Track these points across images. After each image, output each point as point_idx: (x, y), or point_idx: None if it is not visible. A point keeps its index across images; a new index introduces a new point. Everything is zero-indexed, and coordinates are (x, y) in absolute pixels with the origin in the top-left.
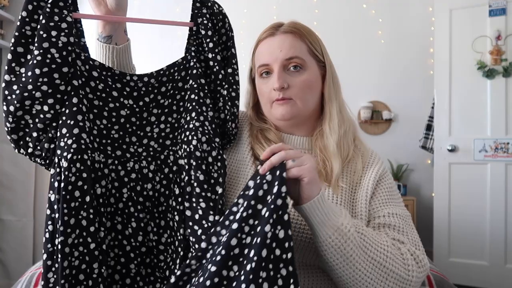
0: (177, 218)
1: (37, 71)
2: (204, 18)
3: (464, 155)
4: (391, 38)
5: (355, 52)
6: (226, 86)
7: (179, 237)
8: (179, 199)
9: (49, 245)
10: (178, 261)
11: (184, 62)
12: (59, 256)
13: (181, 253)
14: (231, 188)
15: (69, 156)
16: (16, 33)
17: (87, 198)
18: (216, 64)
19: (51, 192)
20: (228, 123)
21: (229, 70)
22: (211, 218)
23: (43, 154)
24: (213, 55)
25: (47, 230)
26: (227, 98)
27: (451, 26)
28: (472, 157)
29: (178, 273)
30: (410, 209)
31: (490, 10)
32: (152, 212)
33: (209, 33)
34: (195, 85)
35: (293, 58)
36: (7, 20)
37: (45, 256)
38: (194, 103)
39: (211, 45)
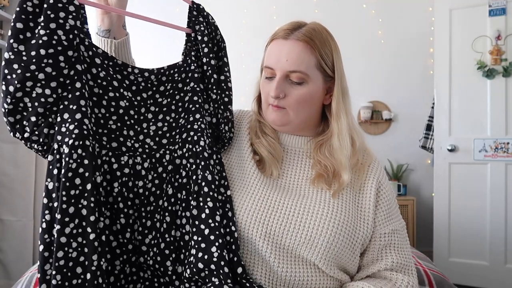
0: (168, 219)
1: (42, 51)
2: (201, 25)
3: (464, 155)
4: (391, 38)
5: (355, 52)
6: (219, 91)
7: (167, 239)
8: (172, 200)
9: (46, 236)
10: (168, 263)
11: (185, 65)
12: (54, 246)
13: (173, 255)
14: (233, 184)
15: (70, 141)
16: (17, 8)
17: (88, 186)
18: (209, 68)
19: (48, 180)
20: (221, 126)
21: (222, 77)
22: (217, 218)
23: (41, 140)
24: (207, 59)
25: (44, 220)
26: (219, 102)
27: (451, 26)
28: (472, 157)
29: None
30: (410, 209)
31: (490, 10)
32: (139, 210)
33: (205, 39)
34: (198, 89)
35: (296, 72)
36: (7, 20)
37: (42, 247)
38: (197, 105)
39: (206, 50)
